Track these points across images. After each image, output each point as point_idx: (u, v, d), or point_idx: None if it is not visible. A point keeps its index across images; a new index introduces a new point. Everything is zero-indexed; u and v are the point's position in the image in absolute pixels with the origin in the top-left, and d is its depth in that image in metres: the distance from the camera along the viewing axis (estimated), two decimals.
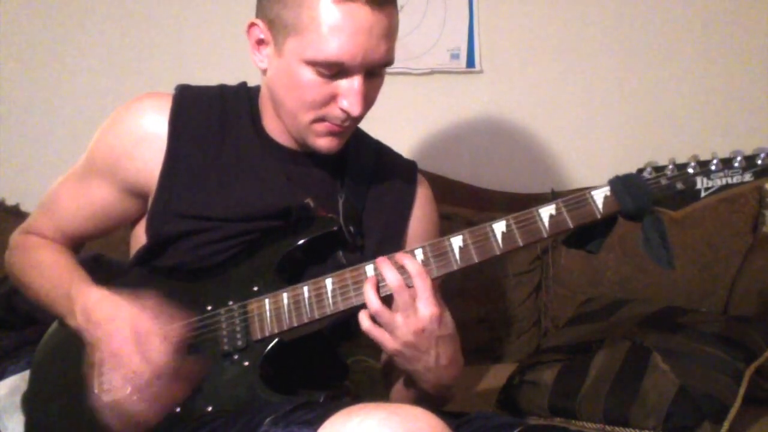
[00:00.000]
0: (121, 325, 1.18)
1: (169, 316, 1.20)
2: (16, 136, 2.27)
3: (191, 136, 1.30)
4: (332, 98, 1.22)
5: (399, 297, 1.16)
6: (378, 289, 1.18)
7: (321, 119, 1.24)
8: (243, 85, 1.39)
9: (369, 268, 1.21)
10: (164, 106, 1.31)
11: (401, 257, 1.19)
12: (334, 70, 1.19)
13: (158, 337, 1.17)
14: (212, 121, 1.32)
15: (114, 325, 1.18)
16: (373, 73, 1.23)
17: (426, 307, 1.15)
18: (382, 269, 1.18)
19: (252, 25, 1.25)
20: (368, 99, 1.24)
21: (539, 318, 2.12)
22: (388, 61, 1.23)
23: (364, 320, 1.18)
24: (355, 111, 1.21)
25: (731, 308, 1.96)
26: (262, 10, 1.24)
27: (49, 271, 1.32)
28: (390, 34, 1.20)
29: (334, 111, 1.23)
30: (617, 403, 1.56)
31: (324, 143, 1.27)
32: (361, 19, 1.16)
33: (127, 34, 2.26)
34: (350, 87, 1.20)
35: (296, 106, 1.24)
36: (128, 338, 1.16)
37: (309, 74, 1.20)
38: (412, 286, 1.16)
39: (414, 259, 1.18)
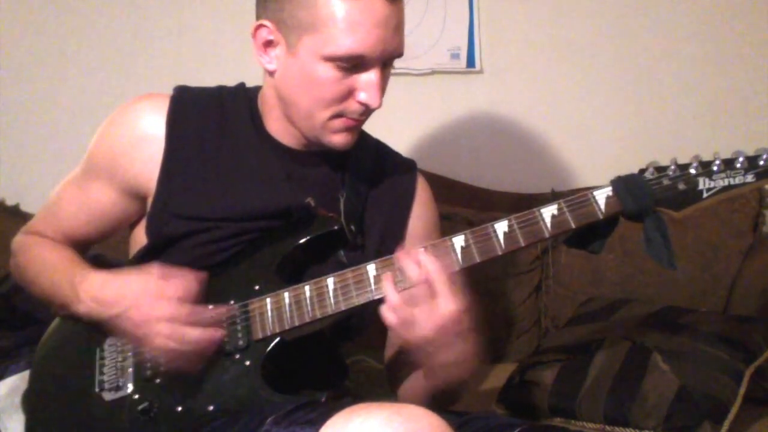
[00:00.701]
0: (131, 302, 1.18)
1: (177, 275, 1.19)
2: (16, 136, 2.27)
3: (189, 136, 1.30)
4: (350, 93, 1.23)
5: (421, 292, 1.14)
6: (395, 284, 1.17)
7: (338, 115, 1.25)
8: (241, 85, 1.39)
9: (370, 268, 1.21)
10: (162, 107, 1.31)
11: (417, 254, 1.17)
12: (352, 64, 1.20)
13: (170, 300, 1.17)
14: (211, 122, 1.32)
15: (124, 303, 1.18)
16: (386, 64, 1.24)
17: (446, 304, 1.13)
18: (404, 264, 1.17)
19: (259, 27, 1.25)
20: (383, 90, 1.25)
21: (539, 318, 2.12)
22: (401, 53, 1.25)
23: (388, 315, 1.15)
24: (375, 103, 1.23)
25: (731, 308, 1.96)
26: (268, 12, 1.23)
27: (52, 265, 1.32)
28: (402, 26, 1.23)
29: (352, 105, 1.24)
30: (617, 403, 1.56)
31: (340, 139, 1.27)
32: (378, 12, 1.18)
33: (127, 35, 2.25)
34: (369, 80, 1.21)
35: (313, 104, 1.24)
36: (144, 308, 1.17)
37: (327, 70, 1.20)
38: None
39: (430, 256, 1.17)
